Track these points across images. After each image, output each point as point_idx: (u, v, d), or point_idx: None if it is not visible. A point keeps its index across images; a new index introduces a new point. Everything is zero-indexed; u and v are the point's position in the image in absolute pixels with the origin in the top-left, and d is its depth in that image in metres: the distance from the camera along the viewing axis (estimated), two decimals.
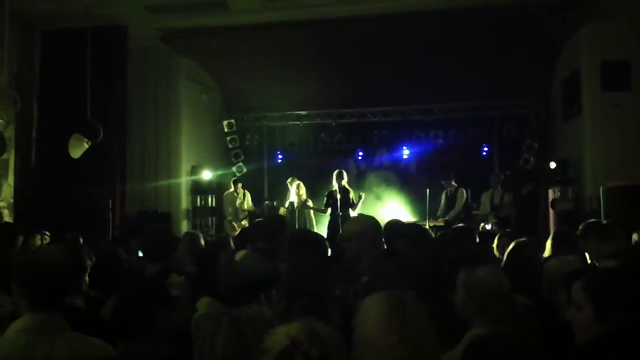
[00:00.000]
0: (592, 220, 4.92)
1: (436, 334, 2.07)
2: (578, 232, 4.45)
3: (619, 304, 2.16)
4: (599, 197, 8.85)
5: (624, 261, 3.47)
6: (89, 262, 3.90)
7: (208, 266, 3.04)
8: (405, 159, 12.67)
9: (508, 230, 6.40)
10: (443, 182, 10.89)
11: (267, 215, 6.90)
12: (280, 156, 13.08)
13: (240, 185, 11.55)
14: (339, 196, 9.78)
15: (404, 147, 12.48)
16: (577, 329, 2.28)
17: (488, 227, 9.91)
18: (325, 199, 10.09)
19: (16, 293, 2.38)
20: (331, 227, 9.78)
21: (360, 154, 12.77)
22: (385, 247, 4.37)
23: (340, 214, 9.65)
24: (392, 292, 2.08)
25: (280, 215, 8.69)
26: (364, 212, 8.89)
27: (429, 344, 2.01)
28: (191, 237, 4.97)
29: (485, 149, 12.21)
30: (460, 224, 6.86)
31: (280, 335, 1.60)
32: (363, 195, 10.21)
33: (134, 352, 2.21)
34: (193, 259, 4.64)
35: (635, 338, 2.08)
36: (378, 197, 11.71)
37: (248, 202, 11.49)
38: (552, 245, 4.69)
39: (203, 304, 2.95)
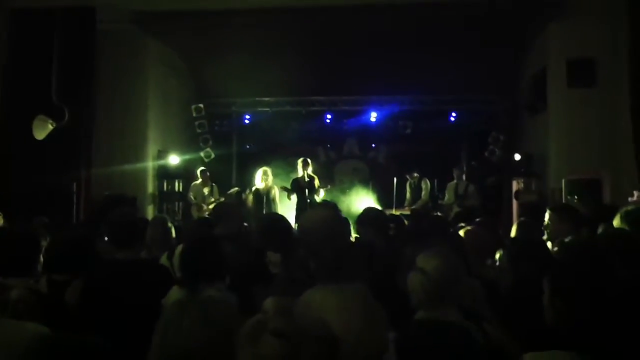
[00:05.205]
0: (563, 203, 5.00)
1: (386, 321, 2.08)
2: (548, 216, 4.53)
3: (560, 295, 2.23)
4: (562, 189, 9.06)
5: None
6: (43, 243, 3.82)
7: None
8: (375, 146, 12.76)
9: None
10: (407, 175, 11.15)
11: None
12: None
13: (208, 175, 11.26)
14: (304, 183, 9.88)
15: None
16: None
17: None
18: (290, 186, 10.13)
19: None
20: (299, 214, 9.83)
21: (330, 142, 12.80)
22: (354, 235, 4.46)
23: (308, 200, 9.72)
24: (334, 286, 2.09)
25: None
26: (330, 201, 8.97)
27: (377, 333, 2.02)
28: (162, 221, 4.94)
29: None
30: (439, 213, 6.89)
31: None
32: (329, 186, 10.38)
33: None
34: (163, 243, 4.64)
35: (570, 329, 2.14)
36: (346, 186, 11.78)
37: (215, 194, 11.29)
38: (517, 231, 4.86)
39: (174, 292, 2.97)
